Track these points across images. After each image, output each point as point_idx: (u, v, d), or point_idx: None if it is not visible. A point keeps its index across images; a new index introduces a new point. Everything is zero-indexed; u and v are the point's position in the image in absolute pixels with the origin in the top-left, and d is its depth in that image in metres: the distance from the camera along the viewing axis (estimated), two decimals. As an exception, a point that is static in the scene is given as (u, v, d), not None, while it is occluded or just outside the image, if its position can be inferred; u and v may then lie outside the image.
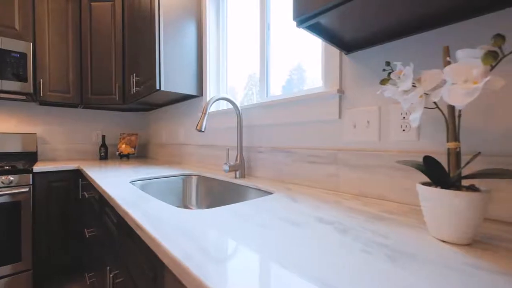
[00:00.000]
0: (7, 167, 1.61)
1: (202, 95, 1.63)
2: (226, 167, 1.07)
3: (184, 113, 1.87)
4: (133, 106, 2.15)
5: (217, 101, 1.60)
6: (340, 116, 0.81)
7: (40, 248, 1.70)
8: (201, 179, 1.31)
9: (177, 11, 1.51)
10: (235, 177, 1.13)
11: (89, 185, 1.48)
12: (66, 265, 1.83)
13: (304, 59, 1.13)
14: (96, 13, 2.05)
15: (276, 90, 1.24)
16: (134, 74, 1.70)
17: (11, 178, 1.57)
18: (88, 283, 1.38)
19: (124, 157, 2.36)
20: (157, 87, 1.40)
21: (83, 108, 2.28)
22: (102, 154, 2.28)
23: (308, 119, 0.91)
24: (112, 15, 2.03)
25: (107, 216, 1.03)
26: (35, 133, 2.07)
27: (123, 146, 2.33)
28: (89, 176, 1.26)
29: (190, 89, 1.57)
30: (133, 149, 2.32)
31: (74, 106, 2.20)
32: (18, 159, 2.00)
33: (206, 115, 0.99)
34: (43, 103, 2.03)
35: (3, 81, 1.71)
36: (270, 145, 1.11)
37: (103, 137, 2.31)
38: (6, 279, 1.56)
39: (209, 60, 1.57)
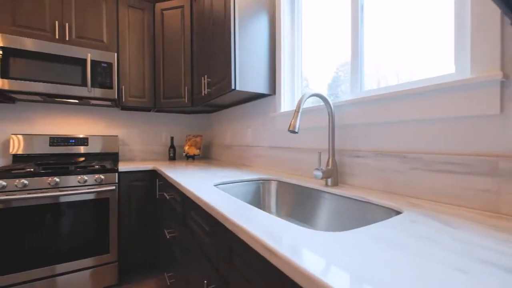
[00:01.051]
0: (97, 166, 1.77)
1: (274, 93, 1.53)
2: (319, 173, 0.93)
3: (252, 113, 1.81)
4: (198, 108, 2.19)
5: (285, 100, 1.48)
6: (502, 110, 0.59)
7: (123, 243, 1.83)
8: (281, 184, 1.20)
9: (251, 5, 1.44)
10: (326, 185, 0.99)
11: (167, 186, 1.52)
12: (146, 261, 1.94)
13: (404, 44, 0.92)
14: (167, 20, 2.14)
15: (367, 85, 1.05)
16: (205, 76, 1.70)
17: (102, 177, 1.72)
18: (168, 283, 1.41)
19: (190, 158, 2.43)
20: (232, 87, 1.35)
21: (156, 111, 2.43)
22: (171, 155, 2.39)
23: (437, 116, 0.71)
24: (182, 20, 2.09)
25: (192, 220, 0.99)
26: (117, 135, 2.27)
27: (189, 147, 2.40)
28: (171, 178, 1.27)
29: (262, 88, 1.49)
30: (198, 150, 2.37)
31: (148, 110, 2.35)
32: (104, 159, 2.21)
33: (300, 114, 0.87)
34: (124, 108, 2.21)
35: (94, 89, 1.90)
36: (371, 148, 0.93)
37: (172, 138, 2.42)
38: (96, 268, 1.71)
39: (284, 55, 1.46)
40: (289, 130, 0.86)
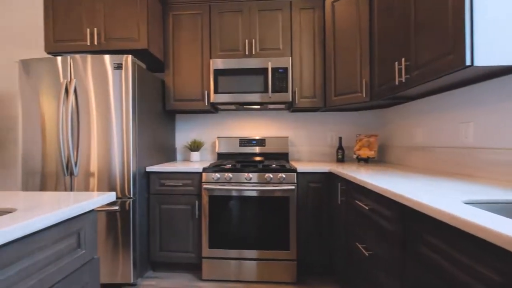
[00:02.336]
0: (276, 166, 1.89)
1: (543, 63, 0.95)
2: None
3: (476, 101, 1.27)
4: (377, 103, 1.87)
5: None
6: None
7: (301, 243, 1.85)
8: None
9: None
10: None
11: (356, 192, 1.32)
12: (320, 264, 1.88)
13: None
14: (339, 11, 1.98)
15: None
16: (401, 60, 1.37)
17: (284, 176, 1.81)
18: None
19: (361, 161, 2.15)
20: (467, 63, 0.94)
21: (322, 111, 2.35)
22: (339, 156, 2.22)
23: None
24: (356, 6, 1.86)
25: (435, 250, 0.71)
26: (287, 137, 2.39)
27: (361, 148, 2.12)
28: (377, 186, 1.06)
29: (518, 58, 0.95)
30: (372, 152, 2.04)
31: (315, 110, 2.31)
32: (277, 159, 2.39)
33: None
34: (294, 110, 2.29)
35: (273, 94, 2.06)
36: None
37: (340, 139, 2.24)
38: (277, 262, 1.81)
39: None
40: None
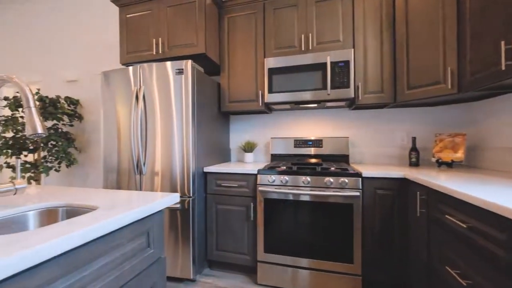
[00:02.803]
0: (336, 169, 1.71)
1: None
2: None
3: None
4: (466, 95, 1.53)
5: None
6: None
7: (366, 257, 1.64)
8: None
9: None
10: None
11: (447, 205, 1.08)
12: (387, 284, 1.64)
13: None
14: (413, -9, 1.69)
15: None
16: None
17: (346, 181, 1.63)
18: None
19: (443, 165, 1.81)
20: None
21: (390, 107, 2.07)
22: (413, 159, 1.90)
23: None
24: (437, -19, 1.56)
25: None
26: (348, 137, 2.17)
27: (442, 150, 1.78)
28: (482, 200, 0.83)
29: None
30: (459, 155, 1.69)
31: (382, 106, 2.04)
32: (335, 161, 2.20)
33: None
34: (357, 107, 2.06)
35: (332, 90, 1.89)
36: None
37: (414, 139, 1.93)
38: (339, 275, 1.64)
39: None
40: None
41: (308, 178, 1.70)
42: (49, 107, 2.65)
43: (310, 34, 2.00)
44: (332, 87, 1.89)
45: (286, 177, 1.74)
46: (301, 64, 1.96)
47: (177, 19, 2.05)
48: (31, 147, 2.69)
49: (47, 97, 2.68)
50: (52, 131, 2.77)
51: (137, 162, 1.87)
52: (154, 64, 1.84)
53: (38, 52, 3.31)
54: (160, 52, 2.09)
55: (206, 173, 1.97)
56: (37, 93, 2.65)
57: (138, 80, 1.88)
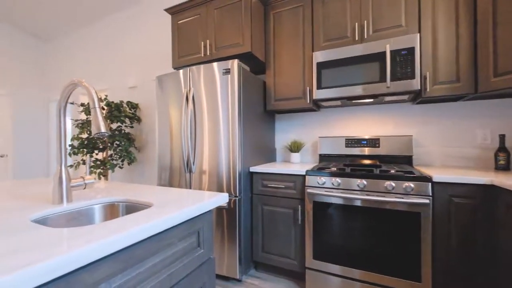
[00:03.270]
0: (398, 172, 1.50)
1: None
2: None
3: None
4: None
5: None
6: None
7: (438, 276, 1.39)
8: None
9: None
10: None
11: None
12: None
13: None
14: (502, -45, 1.38)
15: None
16: None
17: (412, 185, 1.41)
18: None
19: (546, 170, 1.43)
20: None
21: (468, 99, 1.74)
22: (502, 162, 1.56)
23: None
24: None
25: None
26: (411, 135, 1.90)
27: (545, 151, 1.41)
28: None
29: None
30: None
31: (456, 99, 1.72)
32: (396, 162, 1.94)
33: None
34: (422, 101, 1.79)
35: (393, 82, 1.67)
36: None
37: (502, 137, 1.58)
38: (402, 292, 1.43)
39: None
40: None
41: (364, 181, 1.52)
42: (114, 111, 2.98)
43: (365, 22, 1.81)
44: (393, 79, 1.67)
45: (338, 179, 1.60)
46: (355, 55, 1.78)
47: (224, 20, 2.07)
48: (101, 147, 3.05)
49: (113, 102, 3.01)
50: (116, 132, 3.10)
51: (187, 161, 1.94)
52: (202, 66, 1.89)
53: (106, 64, 3.77)
54: (208, 54, 2.15)
55: (252, 173, 1.94)
56: (105, 99, 3.00)
57: (187, 82, 1.95)
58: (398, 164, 1.92)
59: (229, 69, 1.79)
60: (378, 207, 1.48)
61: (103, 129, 0.69)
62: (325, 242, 1.63)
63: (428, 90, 1.63)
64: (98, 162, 3.01)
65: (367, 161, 2.03)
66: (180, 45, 2.31)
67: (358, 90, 1.77)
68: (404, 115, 2.01)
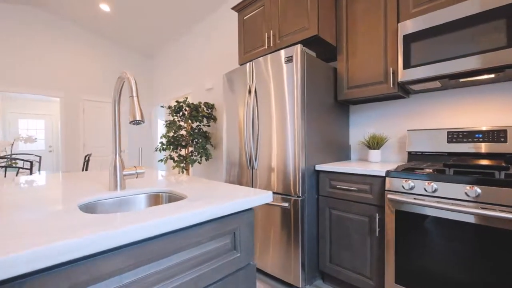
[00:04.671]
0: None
1: None
2: None
3: None
4: None
5: None
6: None
7: None
8: None
9: None
10: None
11: None
12: None
13: None
14: None
15: None
16: None
17: None
18: None
19: None
20: None
21: None
22: None
23: None
24: None
25: None
26: None
27: None
28: None
29: None
30: None
31: None
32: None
33: None
34: None
35: (531, 45, 1.12)
36: None
37: None
38: None
39: None
40: None
41: (477, 189, 1.07)
42: (193, 111, 3.29)
43: (479, -33, 1.29)
44: (530, 40, 1.12)
45: (434, 184, 1.19)
46: (461, 17, 1.30)
47: (288, 6, 1.92)
48: (184, 144, 3.44)
49: (192, 103, 3.34)
50: (196, 130, 3.43)
51: (249, 157, 1.90)
52: (264, 57, 1.81)
53: (190, 71, 4.25)
54: (272, 45, 2.05)
55: (318, 172, 1.72)
56: (184, 101, 3.36)
57: (251, 76, 1.91)
58: (541, 167, 1.30)
59: (291, 56, 1.63)
60: (498, 227, 1.02)
61: (138, 117, 0.68)
62: (413, 263, 1.26)
63: None
64: (182, 158, 3.40)
65: (484, 162, 1.47)
66: (246, 40, 2.31)
67: (469, 63, 1.29)
68: (554, 94, 1.34)
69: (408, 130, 1.78)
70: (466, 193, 1.10)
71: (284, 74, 1.67)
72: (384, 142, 1.89)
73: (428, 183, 1.21)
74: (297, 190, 1.60)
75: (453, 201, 1.14)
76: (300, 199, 1.59)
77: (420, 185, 1.24)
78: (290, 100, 1.64)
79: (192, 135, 3.33)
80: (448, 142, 1.60)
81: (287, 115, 1.66)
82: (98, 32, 4.84)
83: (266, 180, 1.80)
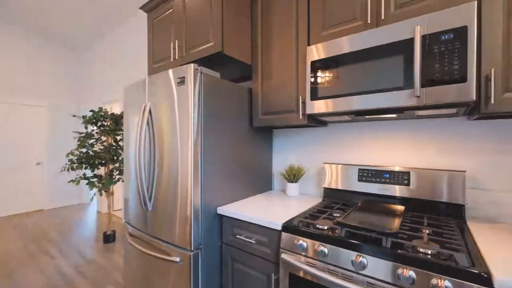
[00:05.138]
0: (429, 251, 0.83)
1: None
2: None
3: None
4: None
5: None
6: None
7: None
8: None
9: None
10: None
11: None
12: None
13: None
14: None
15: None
16: None
17: (450, 286, 0.75)
18: None
19: None
20: None
21: None
22: None
23: None
24: None
25: None
26: (464, 171, 1.16)
27: None
28: None
29: None
30: None
31: (556, 114, 0.95)
32: (438, 214, 1.23)
33: None
34: (484, 116, 1.05)
35: (425, 88, 1.00)
36: None
37: None
38: None
39: None
40: None
41: (363, 259, 0.90)
42: (112, 123, 2.82)
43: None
44: (425, 84, 0.99)
45: (324, 248, 1.00)
46: (366, 47, 1.15)
47: (195, 12, 1.63)
48: (103, 162, 2.94)
49: (113, 113, 2.86)
50: (116, 146, 2.95)
51: (142, 194, 1.56)
52: (157, 75, 1.48)
53: (120, 74, 3.71)
54: (178, 57, 1.73)
55: (220, 216, 1.46)
56: (99, 111, 2.87)
57: (146, 95, 1.57)
58: (438, 217, 1.21)
59: (184, 77, 1.34)
60: (388, 308, 0.86)
61: None
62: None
63: (493, 100, 0.91)
64: (99, 178, 2.89)
65: (394, 206, 1.35)
66: (155, 48, 1.95)
67: (373, 101, 1.13)
68: (453, 137, 1.27)
69: (324, 163, 1.62)
70: (352, 262, 0.93)
71: (178, 97, 1.37)
72: (301, 175, 1.71)
73: (318, 246, 1.02)
74: (186, 241, 1.32)
75: (343, 270, 0.96)
76: (192, 253, 1.31)
77: (312, 247, 1.04)
78: (183, 128, 1.34)
79: (112, 150, 2.86)
80: (359, 180, 1.46)
81: (181, 145, 1.36)
82: None
83: (159, 225, 1.48)
